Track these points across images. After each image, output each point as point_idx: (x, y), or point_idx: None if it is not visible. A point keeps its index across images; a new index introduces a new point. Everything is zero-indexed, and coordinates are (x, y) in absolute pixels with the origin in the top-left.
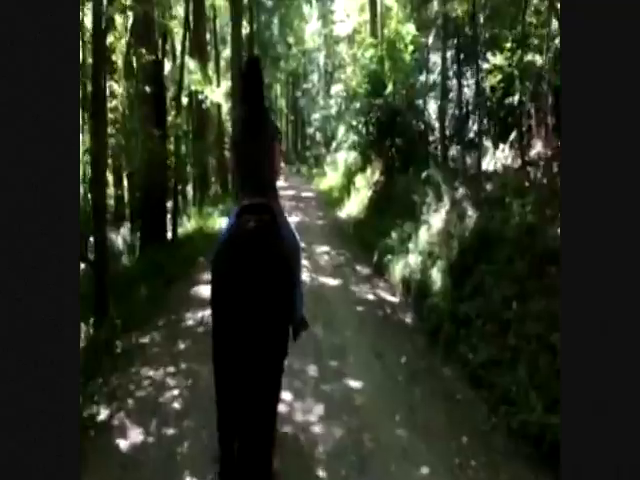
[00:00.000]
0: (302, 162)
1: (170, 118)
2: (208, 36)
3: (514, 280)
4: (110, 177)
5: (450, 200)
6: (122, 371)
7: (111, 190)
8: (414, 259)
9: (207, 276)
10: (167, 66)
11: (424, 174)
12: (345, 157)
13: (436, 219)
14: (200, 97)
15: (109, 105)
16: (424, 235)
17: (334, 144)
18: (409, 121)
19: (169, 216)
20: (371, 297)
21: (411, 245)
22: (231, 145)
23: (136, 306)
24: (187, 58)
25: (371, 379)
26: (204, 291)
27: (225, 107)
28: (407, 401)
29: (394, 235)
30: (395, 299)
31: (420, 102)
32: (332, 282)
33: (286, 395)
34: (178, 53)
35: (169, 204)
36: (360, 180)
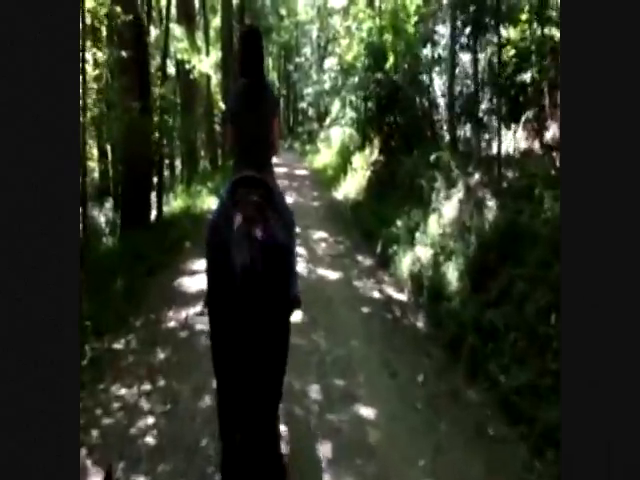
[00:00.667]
0: (295, 138)
1: (157, 90)
2: (197, 4)
3: (551, 288)
4: (95, 150)
5: (464, 187)
6: (89, 389)
7: (94, 163)
8: (424, 252)
9: (193, 265)
10: (152, 33)
11: (432, 156)
12: (340, 134)
13: (448, 207)
14: (187, 67)
15: (93, 73)
16: (434, 225)
17: (328, 120)
18: (412, 97)
19: (154, 194)
20: (377, 295)
21: (419, 235)
22: (227, 117)
23: (111, 302)
24: (174, 25)
25: (385, 405)
26: (189, 284)
27: (215, 79)
28: (431, 437)
29: (399, 223)
30: (403, 297)
31: (424, 77)
32: (331, 275)
33: (284, 427)
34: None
35: (155, 181)
36: (357, 159)
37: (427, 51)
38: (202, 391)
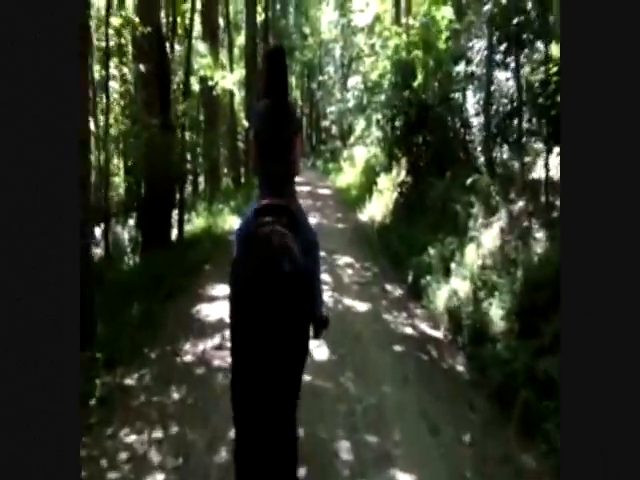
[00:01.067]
0: (317, 156)
1: (179, 106)
2: (221, 21)
3: None
4: (121, 164)
5: (506, 214)
6: (96, 432)
7: (120, 179)
8: (461, 285)
9: (212, 290)
10: (177, 49)
11: (469, 180)
12: (364, 153)
13: (487, 237)
14: (210, 83)
15: (120, 89)
16: (472, 255)
17: (352, 138)
18: (443, 116)
19: (176, 211)
20: (409, 331)
21: (455, 266)
22: (252, 137)
23: (127, 328)
24: (196, 41)
25: (427, 471)
26: (207, 311)
27: (238, 96)
28: None
29: (431, 251)
30: (439, 335)
31: (456, 95)
32: (359, 306)
33: None
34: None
35: (177, 198)
36: (383, 180)
37: (460, 68)
38: (218, 442)
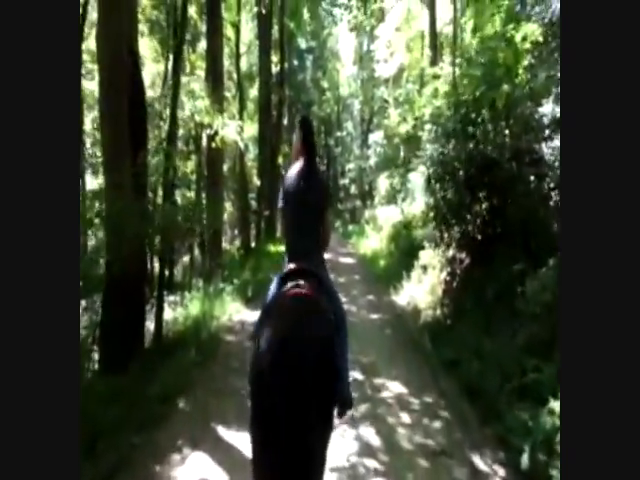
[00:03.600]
0: (336, 216)
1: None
2: (230, 68)
3: None
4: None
5: None
6: None
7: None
8: None
9: (179, 468)
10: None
11: None
12: (392, 214)
13: None
14: (208, 132)
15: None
16: None
17: (376, 198)
18: (523, 176)
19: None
20: None
21: None
22: (281, 205)
23: None
24: (193, 80)
25: None
26: None
27: (252, 153)
28: None
29: (554, 403)
30: None
31: (540, 147)
32: None
33: None
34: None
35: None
36: (428, 254)
37: (546, 109)
38: None
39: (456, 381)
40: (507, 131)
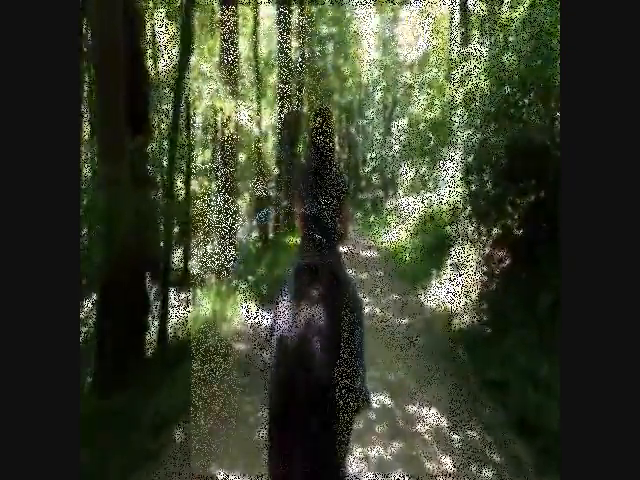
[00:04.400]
0: (356, 207)
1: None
2: (249, 54)
3: None
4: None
5: None
6: None
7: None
8: None
9: None
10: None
11: None
12: (420, 206)
13: None
14: (220, 117)
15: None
16: None
17: (401, 188)
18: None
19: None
20: None
21: None
22: (296, 195)
23: None
24: (202, 60)
25: None
26: None
27: (270, 142)
28: None
29: None
30: None
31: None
32: None
33: None
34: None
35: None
36: (459, 251)
37: None
38: None
39: (503, 409)
40: (558, 113)
